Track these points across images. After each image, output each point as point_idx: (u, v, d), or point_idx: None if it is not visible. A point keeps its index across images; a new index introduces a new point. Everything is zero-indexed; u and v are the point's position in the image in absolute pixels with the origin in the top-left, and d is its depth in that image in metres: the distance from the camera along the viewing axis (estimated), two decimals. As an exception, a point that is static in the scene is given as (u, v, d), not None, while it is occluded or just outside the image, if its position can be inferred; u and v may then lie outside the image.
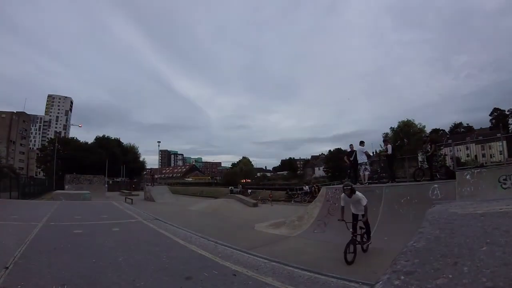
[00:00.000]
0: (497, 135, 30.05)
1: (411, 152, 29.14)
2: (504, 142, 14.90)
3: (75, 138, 58.10)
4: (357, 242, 5.47)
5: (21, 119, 77.40)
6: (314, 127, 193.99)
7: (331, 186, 12.62)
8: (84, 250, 2.15)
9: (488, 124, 72.80)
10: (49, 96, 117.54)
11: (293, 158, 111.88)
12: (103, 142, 56.34)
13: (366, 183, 11.02)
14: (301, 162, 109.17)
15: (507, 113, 69.35)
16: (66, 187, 26.69)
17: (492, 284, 0.76)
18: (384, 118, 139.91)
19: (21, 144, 78.08)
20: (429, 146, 10.91)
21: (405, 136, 45.47)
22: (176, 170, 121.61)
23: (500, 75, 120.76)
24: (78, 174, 30.62)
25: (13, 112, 75.17)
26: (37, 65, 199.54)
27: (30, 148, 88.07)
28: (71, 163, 44.26)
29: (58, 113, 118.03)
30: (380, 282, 0.90)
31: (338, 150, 62.40)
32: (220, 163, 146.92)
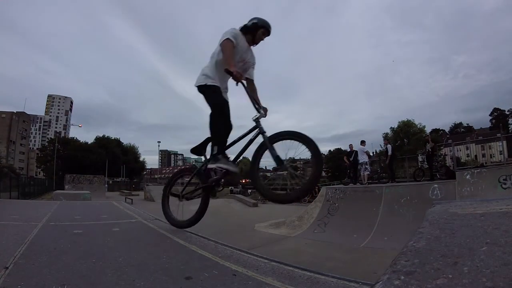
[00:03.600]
0: (497, 135, 30.06)
1: (411, 152, 29.19)
2: (504, 142, 14.94)
3: (75, 138, 58.09)
4: None
5: (21, 119, 77.39)
6: (314, 127, 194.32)
7: (331, 186, 12.62)
8: (84, 250, 2.15)
9: (488, 124, 72.82)
10: (49, 96, 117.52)
11: (293, 158, 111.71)
12: (103, 142, 56.28)
13: (366, 183, 11.03)
14: (301, 162, 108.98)
15: (507, 113, 69.37)
16: (66, 187, 26.68)
17: (492, 284, 0.76)
18: (384, 118, 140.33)
19: (21, 144, 78.07)
20: (430, 146, 10.94)
21: (405, 136, 45.47)
22: (176, 170, 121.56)
23: (499, 75, 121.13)
24: (78, 174, 30.61)
25: (13, 112, 75.20)
26: (37, 65, 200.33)
27: (30, 148, 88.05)
28: (71, 163, 44.24)
29: (58, 113, 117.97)
30: (380, 282, 0.90)
31: (338, 150, 62.28)
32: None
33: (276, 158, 2.45)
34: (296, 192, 2.42)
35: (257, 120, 2.55)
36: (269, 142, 2.43)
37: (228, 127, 2.73)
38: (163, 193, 3.23)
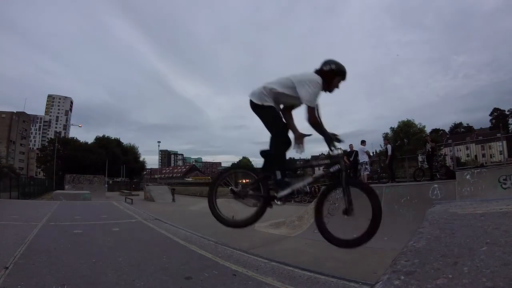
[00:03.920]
0: (497, 135, 30.05)
1: (411, 152, 29.20)
2: (504, 142, 14.94)
3: (75, 138, 58.17)
4: None
5: (21, 119, 77.40)
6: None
7: (331, 186, 12.59)
8: (84, 250, 2.15)
9: (488, 124, 72.80)
10: (49, 96, 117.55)
11: (293, 158, 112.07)
12: (103, 142, 56.28)
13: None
14: (301, 162, 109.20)
15: (507, 113, 69.38)
16: (66, 187, 26.70)
17: (492, 284, 0.76)
18: (384, 118, 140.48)
19: (21, 144, 78.08)
20: (429, 146, 10.94)
21: (405, 136, 45.49)
22: (176, 170, 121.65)
23: (499, 75, 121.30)
24: (78, 174, 30.60)
25: (13, 112, 75.20)
26: (37, 65, 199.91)
27: (30, 148, 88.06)
28: (71, 163, 44.25)
29: (58, 113, 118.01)
30: (380, 282, 0.90)
31: (338, 150, 62.16)
32: (220, 163, 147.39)
33: (350, 202, 2.23)
34: (363, 237, 2.18)
35: (338, 153, 2.31)
36: (346, 184, 2.23)
37: (288, 144, 2.60)
38: (210, 189, 2.77)
